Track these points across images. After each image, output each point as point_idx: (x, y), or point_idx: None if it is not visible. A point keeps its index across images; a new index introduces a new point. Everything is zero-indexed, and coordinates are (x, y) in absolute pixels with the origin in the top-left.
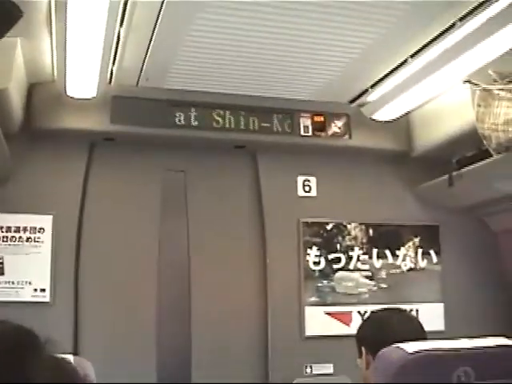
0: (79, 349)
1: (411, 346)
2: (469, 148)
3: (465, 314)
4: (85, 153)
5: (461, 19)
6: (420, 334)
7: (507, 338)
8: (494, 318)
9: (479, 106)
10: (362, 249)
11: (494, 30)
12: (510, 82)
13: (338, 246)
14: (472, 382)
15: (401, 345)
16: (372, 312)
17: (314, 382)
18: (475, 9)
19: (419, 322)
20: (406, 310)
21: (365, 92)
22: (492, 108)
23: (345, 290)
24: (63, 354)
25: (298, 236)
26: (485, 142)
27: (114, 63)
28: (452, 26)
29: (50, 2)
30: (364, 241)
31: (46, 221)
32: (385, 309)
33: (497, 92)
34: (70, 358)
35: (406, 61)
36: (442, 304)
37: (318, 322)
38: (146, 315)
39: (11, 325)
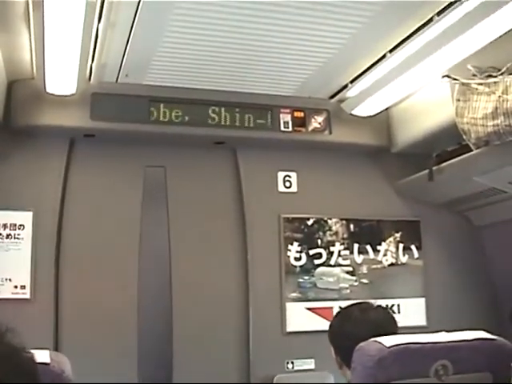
0: (59, 345)
1: (389, 340)
2: (449, 143)
3: (446, 308)
4: (65, 149)
5: (438, 13)
6: (383, 329)
7: (486, 331)
8: (476, 312)
9: (458, 100)
10: (343, 244)
11: (471, 25)
12: (488, 76)
13: (319, 241)
14: (450, 374)
15: (379, 338)
16: (338, 311)
17: (296, 377)
18: (453, 3)
19: (387, 316)
20: (368, 303)
21: (344, 87)
22: (471, 102)
23: (326, 285)
24: (40, 349)
25: (278, 232)
26: (464, 136)
27: (93, 60)
28: (430, 21)
29: None
30: (345, 236)
31: (26, 217)
32: (350, 305)
33: (475, 86)
34: (46, 352)
35: (384, 56)
36: (423, 299)
37: (299, 317)
38: (126, 311)
39: None
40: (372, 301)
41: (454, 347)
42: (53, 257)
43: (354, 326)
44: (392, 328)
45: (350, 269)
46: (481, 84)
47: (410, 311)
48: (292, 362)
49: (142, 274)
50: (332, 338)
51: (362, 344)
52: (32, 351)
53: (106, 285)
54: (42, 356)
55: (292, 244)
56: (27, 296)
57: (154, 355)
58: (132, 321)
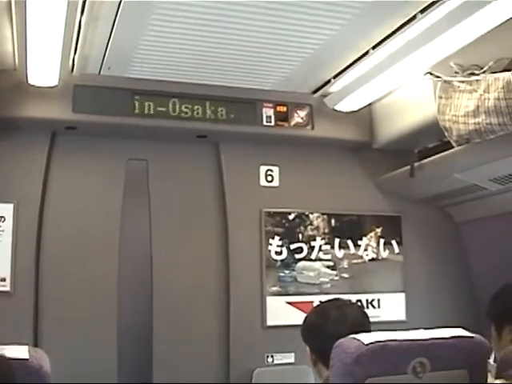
0: (39, 339)
1: (368, 337)
2: (430, 139)
3: (426, 303)
4: (46, 141)
5: (422, 11)
6: (360, 326)
7: (464, 329)
8: (455, 307)
9: (440, 97)
10: (323, 239)
11: (455, 23)
12: (470, 74)
13: (300, 235)
14: (427, 372)
15: (357, 336)
16: (311, 310)
17: (276, 371)
18: (436, 1)
19: (362, 313)
20: (342, 300)
21: (327, 83)
22: (453, 100)
23: (306, 279)
24: (19, 344)
25: (260, 226)
26: (446, 133)
27: (75, 52)
28: (413, 18)
29: None
30: (326, 231)
31: (6, 209)
32: (324, 303)
33: (457, 84)
34: (25, 348)
35: (367, 52)
36: (403, 294)
37: (279, 311)
38: (107, 306)
39: None
40: (350, 296)
41: (432, 345)
42: (33, 249)
43: (334, 326)
44: (367, 325)
45: (331, 263)
46: (463, 82)
47: (390, 306)
48: (272, 356)
49: (122, 268)
50: (309, 337)
51: (340, 341)
52: (10, 348)
53: (87, 278)
54: (20, 352)
55: (273, 238)
56: (7, 288)
57: (133, 353)
58: (112, 316)
